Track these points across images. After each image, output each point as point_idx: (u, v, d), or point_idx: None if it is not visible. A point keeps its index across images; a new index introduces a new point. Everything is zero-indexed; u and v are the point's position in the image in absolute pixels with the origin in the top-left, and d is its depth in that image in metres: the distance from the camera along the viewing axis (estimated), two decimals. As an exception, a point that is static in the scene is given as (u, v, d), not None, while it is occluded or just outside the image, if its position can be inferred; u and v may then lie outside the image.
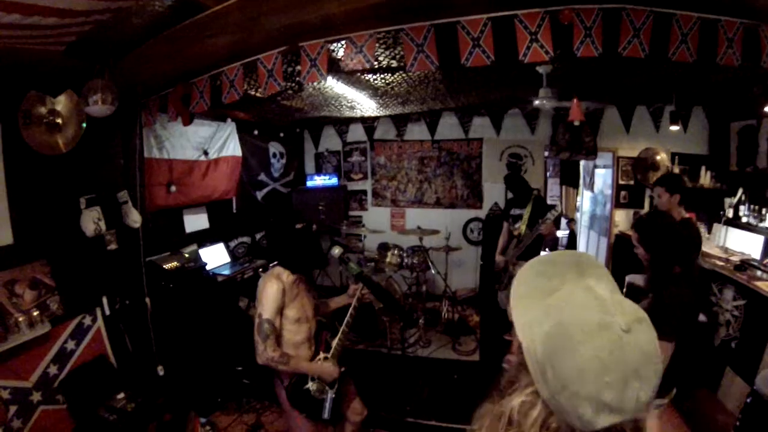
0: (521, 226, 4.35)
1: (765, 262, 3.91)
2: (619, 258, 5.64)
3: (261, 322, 2.35)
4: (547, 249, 4.35)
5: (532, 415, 0.74)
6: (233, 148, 5.14)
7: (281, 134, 6.25)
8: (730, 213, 4.69)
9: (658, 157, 5.54)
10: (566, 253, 0.89)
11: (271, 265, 4.84)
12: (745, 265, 3.83)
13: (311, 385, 2.46)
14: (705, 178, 5.16)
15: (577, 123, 4.18)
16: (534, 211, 4.30)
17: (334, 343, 2.60)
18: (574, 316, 0.73)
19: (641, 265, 2.55)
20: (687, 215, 3.39)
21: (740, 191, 4.64)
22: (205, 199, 4.79)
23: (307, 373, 2.46)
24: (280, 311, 2.41)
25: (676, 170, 5.43)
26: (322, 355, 2.54)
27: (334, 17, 2.32)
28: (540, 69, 3.21)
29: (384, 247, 5.38)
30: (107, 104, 2.84)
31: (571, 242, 7.19)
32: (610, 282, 0.82)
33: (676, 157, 5.51)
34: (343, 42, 2.53)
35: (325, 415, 2.48)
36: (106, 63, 2.80)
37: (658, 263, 2.26)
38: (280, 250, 2.57)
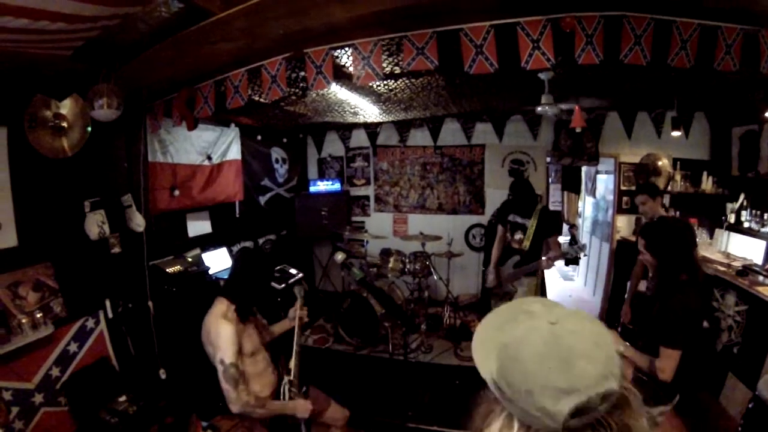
0: (525, 242, 4.08)
1: (767, 267, 3.91)
2: (622, 264, 5.63)
3: (226, 369, 2.25)
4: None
5: None
6: (236, 152, 5.17)
7: (284, 140, 6.27)
8: (732, 218, 4.68)
9: (660, 163, 5.53)
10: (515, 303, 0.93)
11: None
12: (747, 270, 3.83)
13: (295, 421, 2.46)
14: (707, 184, 5.16)
15: (578, 129, 4.18)
16: (540, 224, 4.02)
17: (292, 364, 2.56)
18: (511, 335, 0.80)
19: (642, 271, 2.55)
20: (671, 214, 3.39)
21: (742, 196, 4.64)
22: (210, 202, 4.81)
23: (282, 414, 2.43)
24: (240, 351, 2.34)
25: (678, 176, 5.43)
26: (286, 378, 2.51)
27: (337, 24, 2.35)
28: (542, 75, 3.23)
29: (386, 253, 5.39)
30: (113, 108, 2.88)
31: (573, 248, 7.18)
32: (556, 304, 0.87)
33: (678, 162, 5.49)
34: (347, 49, 2.56)
35: None
36: (112, 67, 2.83)
37: (666, 269, 2.26)
38: (245, 293, 2.51)
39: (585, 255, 4.23)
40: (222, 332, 2.29)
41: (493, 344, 0.82)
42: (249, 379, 2.40)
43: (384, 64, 2.51)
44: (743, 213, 4.56)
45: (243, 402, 2.24)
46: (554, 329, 0.77)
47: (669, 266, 2.24)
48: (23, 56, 2.37)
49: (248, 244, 5.45)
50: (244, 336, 2.42)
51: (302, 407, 2.45)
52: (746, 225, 4.48)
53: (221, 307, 2.43)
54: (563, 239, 5.24)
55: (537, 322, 0.79)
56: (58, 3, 1.82)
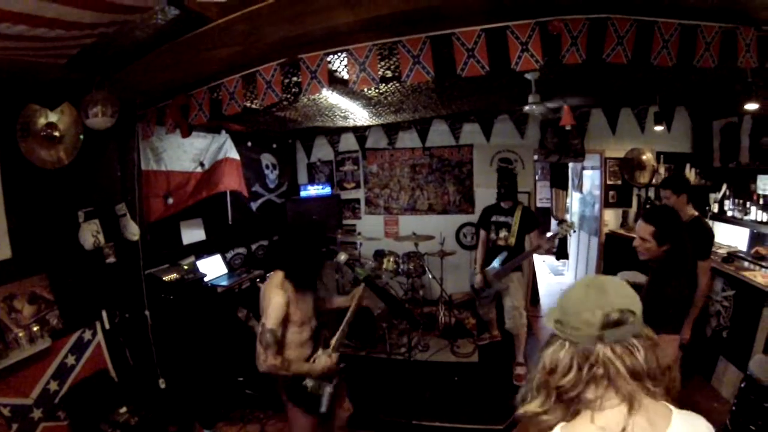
0: (510, 238, 4.30)
1: (752, 252, 4.04)
2: (610, 256, 5.75)
3: (264, 332, 2.35)
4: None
5: (563, 351, 1.07)
6: (225, 153, 5.08)
7: (274, 145, 6.27)
8: (715, 208, 4.82)
9: (644, 157, 5.67)
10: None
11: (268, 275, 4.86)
12: (733, 257, 3.95)
13: (308, 382, 2.50)
14: (690, 176, 5.31)
15: (568, 128, 4.28)
16: (523, 221, 4.29)
17: (334, 339, 2.63)
18: (568, 289, 1.15)
19: (632, 262, 2.60)
20: (696, 213, 3.44)
21: (724, 186, 4.78)
22: (203, 195, 4.75)
23: (308, 375, 2.50)
24: (285, 320, 2.42)
25: (662, 169, 5.57)
26: (320, 351, 2.57)
27: (333, 29, 2.39)
28: (528, 75, 3.29)
29: (380, 254, 5.43)
30: (107, 116, 2.87)
31: (563, 243, 7.30)
32: None
33: (662, 156, 5.66)
34: (342, 54, 2.59)
35: (323, 409, 2.52)
36: (106, 75, 2.82)
37: (676, 257, 2.31)
38: (292, 264, 2.54)
39: (574, 231, 4.39)
40: (272, 299, 2.38)
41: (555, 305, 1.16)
42: (287, 346, 2.47)
43: (379, 70, 2.56)
44: (726, 202, 4.70)
45: (269, 364, 2.34)
46: (595, 277, 1.15)
47: (680, 254, 2.30)
48: (15, 65, 2.35)
49: (241, 250, 5.44)
50: (298, 305, 2.49)
51: (323, 361, 2.51)
52: (729, 214, 4.61)
53: (276, 277, 2.50)
54: (550, 234, 5.35)
55: (584, 278, 1.18)
56: (58, 10, 1.81)
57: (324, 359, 2.53)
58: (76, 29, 2.02)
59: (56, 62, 2.42)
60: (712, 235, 3.46)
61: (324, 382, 2.54)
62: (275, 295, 2.39)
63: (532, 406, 1.11)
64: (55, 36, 2.02)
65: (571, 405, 1.07)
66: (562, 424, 1.08)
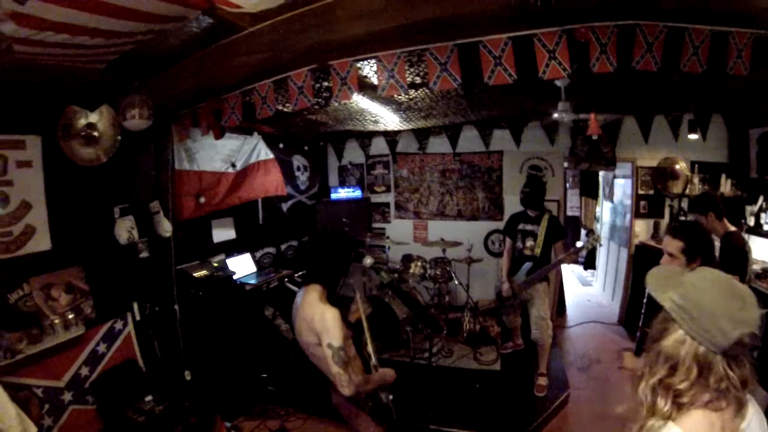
0: (536, 248, 4.26)
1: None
2: (640, 268, 5.59)
3: (335, 352, 2.24)
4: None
5: (684, 347, 1.08)
6: (257, 155, 5.24)
7: (305, 147, 6.37)
8: (751, 221, 4.63)
9: (678, 167, 5.48)
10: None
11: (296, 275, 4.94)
12: (767, 273, 3.79)
13: (384, 396, 2.49)
14: (725, 186, 5.11)
15: (595, 137, 4.19)
16: (549, 231, 4.23)
17: (371, 349, 2.56)
18: (689, 277, 1.15)
19: None
20: (732, 229, 3.30)
21: (761, 199, 4.59)
22: (236, 201, 4.89)
23: (379, 385, 2.48)
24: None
25: (696, 179, 5.38)
26: (371, 362, 2.53)
27: (361, 37, 2.43)
28: (558, 83, 3.25)
29: (408, 259, 5.45)
30: (144, 119, 2.98)
31: (591, 253, 7.15)
32: None
33: (696, 165, 5.45)
34: (371, 61, 2.64)
35: (395, 416, 2.51)
36: (142, 80, 2.95)
37: None
38: (331, 275, 2.53)
39: (600, 245, 4.29)
40: (328, 316, 2.28)
41: (668, 282, 1.17)
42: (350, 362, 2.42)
43: (407, 76, 2.58)
44: (762, 215, 4.51)
45: (356, 383, 2.24)
46: (730, 278, 1.12)
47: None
48: (57, 69, 2.48)
49: (271, 250, 5.55)
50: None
51: (390, 373, 2.54)
52: (766, 228, 4.43)
53: (314, 293, 2.42)
54: (580, 244, 5.26)
55: (712, 272, 1.16)
56: (99, 20, 1.91)
57: (387, 371, 2.52)
58: (115, 37, 2.12)
59: (95, 67, 2.54)
60: (744, 253, 3.22)
61: (386, 392, 2.54)
62: (329, 310, 2.29)
63: (658, 412, 1.10)
64: (95, 44, 2.12)
65: (681, 408, 1.08)
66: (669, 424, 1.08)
